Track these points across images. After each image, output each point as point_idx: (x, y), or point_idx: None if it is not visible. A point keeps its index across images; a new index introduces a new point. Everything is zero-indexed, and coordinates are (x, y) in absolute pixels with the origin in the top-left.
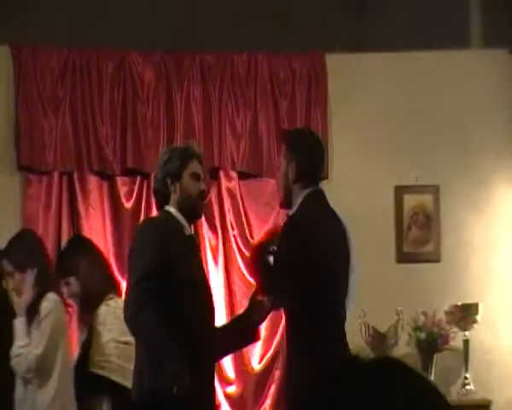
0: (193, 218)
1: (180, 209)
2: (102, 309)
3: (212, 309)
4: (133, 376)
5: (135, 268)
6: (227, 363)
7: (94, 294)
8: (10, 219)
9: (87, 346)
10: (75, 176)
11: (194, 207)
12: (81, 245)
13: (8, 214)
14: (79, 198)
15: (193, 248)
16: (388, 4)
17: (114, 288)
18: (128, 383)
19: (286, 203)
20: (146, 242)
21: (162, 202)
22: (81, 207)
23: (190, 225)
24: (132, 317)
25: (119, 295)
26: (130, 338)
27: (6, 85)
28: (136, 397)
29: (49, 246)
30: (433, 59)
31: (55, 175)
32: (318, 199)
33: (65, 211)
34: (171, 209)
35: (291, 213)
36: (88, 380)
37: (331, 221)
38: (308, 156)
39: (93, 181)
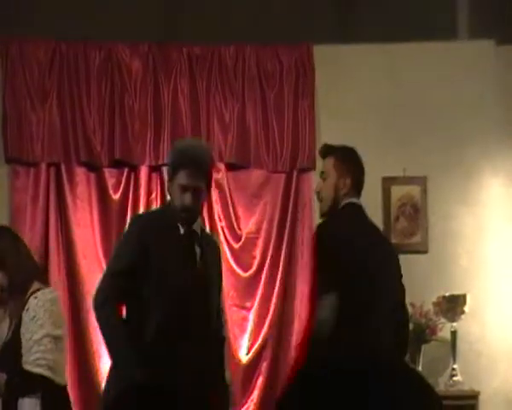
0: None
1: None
2: (32, 303)
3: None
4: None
5: (111, 259)
6: None
7: (22, 284)
8: None
9: (15, 342)
10: (62, 167)
11: (178, 217)
12: (4, 236)
13: None
14: (67, 190)
15: (184, 246)
16: None
17: (42, 276)
18: (60, 379)
19: (328, 213)
20: (128, 235)
21: None
22: (68, 199)
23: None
24: (95, 309)
25: (46, 282)
26: (61, 332)
27: None
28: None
29: (37, 238)
30: (420, 50)
31: (43, 167)
32: (354, 210)
33: (52, 203)
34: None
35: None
36: (22, 379)
37: (363, 232)
38: (361, 172)
39: (80, 173)
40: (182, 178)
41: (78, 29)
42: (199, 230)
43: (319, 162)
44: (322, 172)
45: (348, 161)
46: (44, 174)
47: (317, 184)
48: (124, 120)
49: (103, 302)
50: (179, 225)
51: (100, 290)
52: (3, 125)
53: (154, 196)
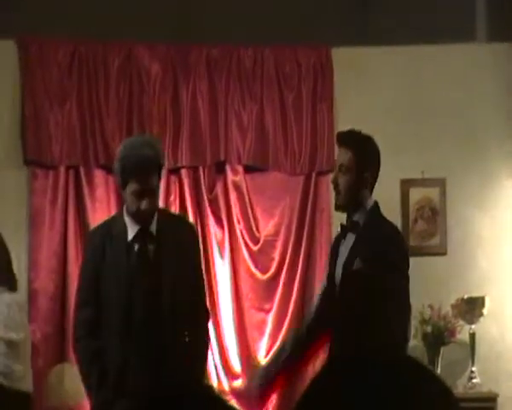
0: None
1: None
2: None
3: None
4: None
5: (78, 288)
6: (233, 356)
7: None
8: (17, 213)
9: None
10: (81, 170)
11: (137, 221)
12: None
13: (15, 208)
14: (86, 192)
15: (133, 252)
16: None
17: (8, 282)
18: (14, 383)
19: (348, 206)
20: (84, 261)
21: None
22: (87, 201)
23: (137, 229)
24: (74, 343)
25: (12, 289)
26: (18, 336)
27: (12, 79)
28: None
29: (56, 239)
30: (438, 52)
31: (62, 169)
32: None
33: (71, 205)
34: (124, 211)
35: (359, 219)
36: None
37: None
38: (379, 166)
39: (99, 175)
40: (133, 186)
41: (98, 30)
42: (154, 227)
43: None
44: (342, 165)
45: (369, 155)
46: (63, 177)
47: (335, 175)
48: (142, 122)
49: (77, 340)
50: (129, 229)
51: (74, 327)
52: (23, 128)
53: (172, 198)
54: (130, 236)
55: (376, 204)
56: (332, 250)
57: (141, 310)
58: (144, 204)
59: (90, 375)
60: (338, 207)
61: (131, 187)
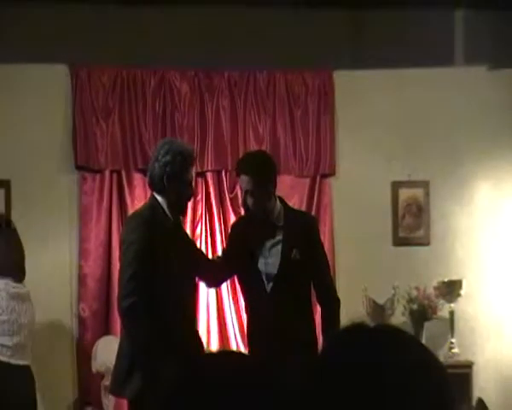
0: (178, 213)
1: (168, 203)
2: None
3: (190, 294)
4: (120, 371)
5: (126, 265)
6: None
7: None
8: (70, 211)
9: None
10: (123, 174)
11: (182, 208)
12: (5, 230)
13: (67, 207)
14: (127, 192)
15: (174, 234)
16: (384, 28)
17: (18, 273)
18: (12, 359)
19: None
20: (137, 240)
21: (155, 188)
22: (128, 200)
23: (174, 214)
24: (124, 311)
25: (16, 279)
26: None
27: (65, 99)
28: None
29: (102, 233)
30: (423, 75)
31: (106, 173)
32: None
33: (115, 203)
34: (159, 198)
35: (276, 222)
36: None
37: None
38: (275, 174)
39: (138, 178)
40: (191, 174)
41: (137, 57)
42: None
43: (338, 169)
44: (247, 191)
45: (267, 173)
46: (108, 180)
47: (243, 198)
48: (174, 133)
49: (128, 307)
50: (167, 215)
51: (125, 296)
52: (73, 138)
53: (199, 197)
54: (172, 218)
55: (281, 200)
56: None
57: (182, 277)
58: (193, 190)
59: (140, 335)
60: (251, 220)
61: (189, 176)
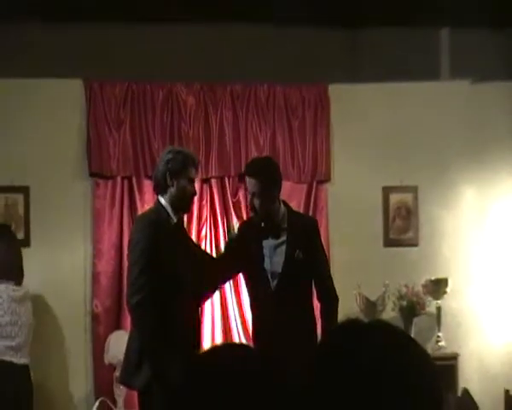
0: (181, 211)
1: (171, 202)
2: None
3: (192, 291)
4: (129, 363)
5: (133, 264)
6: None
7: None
8: (84, 214)
9: None
10: (133, 180)
11: (185, 205)
12: (4, 234)
13: (81, 211)
14: (137, 197)
15: (177, 233)
16: (376, 45)
17: (16, 275)
18: (14, 358)
19: (264, 221)
20: (143, 239)
21: (159, 190)
22: (138, 204)
23: (177, 215)
24: (133, 307)
25: (16, 282)
26: (3, 320)
27: (80, 111)
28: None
29: (114, 235)
30: (411, 88)
31: (118, 179)
32: None
33: (126, 207)
34: (163, 201)
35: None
36: None
37: None
38: (281, 178)
39: (147, 184)
40: (193, 173)
41: (146, 72)
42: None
43: (333, 175)
44: (254, 193)
45: (272, 177)
46: (119, 185)
47: (250, 199)
48: (181, 142)
49: (137, 303)
50: (171, 217)
51: (133, 293)
52: (87, 147)
53: (204, 201)
54: (175, 220)
55: (285, 203)
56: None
57: (185, 269)
58: (194, 189)
59: (148, 330)
60: (256, 224)
61: (190, 174)
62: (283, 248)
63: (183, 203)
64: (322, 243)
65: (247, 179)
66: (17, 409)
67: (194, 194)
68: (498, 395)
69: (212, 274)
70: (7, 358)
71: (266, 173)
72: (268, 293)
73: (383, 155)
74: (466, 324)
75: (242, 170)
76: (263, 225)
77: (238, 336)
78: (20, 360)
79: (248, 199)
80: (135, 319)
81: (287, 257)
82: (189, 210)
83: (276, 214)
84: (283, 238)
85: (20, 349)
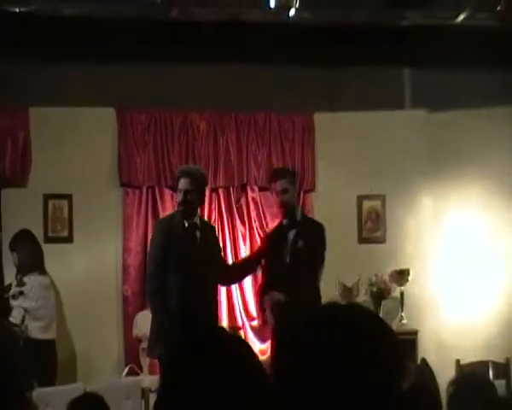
0: (184, 216)
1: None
2: (30, 280)
3: (201, 283)
4: (150, 339)
5: (149, 259)
6: (251, 305)
7: (24, 267)
8: (115, 219)
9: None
10: (156, 190)
11: (180, 211)
12: (23, 235)
13: (114, 215)
14: (159, 204)
15: (191, 235)
16: (351, 81)
17: (40, 267)
18: (33, 335)
19: (291, 212)
20: (155, 238)
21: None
22: (160, 210)
23: (188, 220)
24: (148, 292)
25: (42, 273)
26: (34, 304)
27: (112, 134)
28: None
29: (140, 236)
30: (380, 116)
31: (144, 189)
32: None
33: (150, 213)
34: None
35: (298, 217)
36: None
37: None
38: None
39: (167, 193)
40: (179, 183)
41: (166, 102)
42: (198, 221)
43: (317, 186)
44: (285, 189)
45: (295, 178)
46: (145, 194)
47: (282, 197)
48: (194, 159)
49: (152, 290)
50: (185, 221)
51: (149, 280)
52: (119, 163)
53: (213, 207)
54: (186, 224)
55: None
56: (281, 237)
57: (194, 263)
58: (180, 196)
59: (158, 310)
60: (285, 215)
61: (178, 184)
62: (292, 234)
63: (179, 209)
64: (323, 245)
65: (277, 182)
66: (44, 378)
67: (180, 202)
68: (451, 363)
69: (227, 275)
70: (39, 336)
71: (291, 174)
72: (283, 267)
73: (358, 170)
74: (424, 306)
75: (244, 181)
76: (286, 221)
77: (241, 318)
78: (49, 335)
79: (280, 198)
80: (150, 303)
81: (293, 244)
82: (186, 216)
83: (296, 208)
84: (295, 229)
85: (48, 327)
